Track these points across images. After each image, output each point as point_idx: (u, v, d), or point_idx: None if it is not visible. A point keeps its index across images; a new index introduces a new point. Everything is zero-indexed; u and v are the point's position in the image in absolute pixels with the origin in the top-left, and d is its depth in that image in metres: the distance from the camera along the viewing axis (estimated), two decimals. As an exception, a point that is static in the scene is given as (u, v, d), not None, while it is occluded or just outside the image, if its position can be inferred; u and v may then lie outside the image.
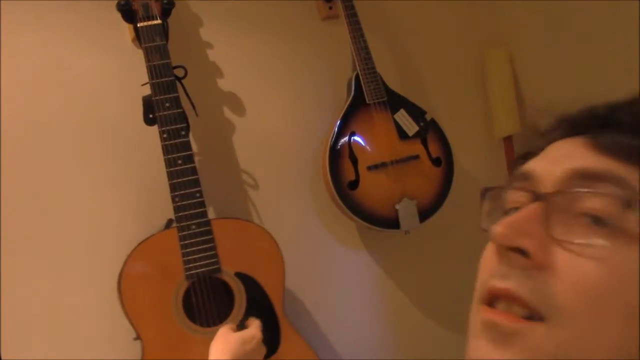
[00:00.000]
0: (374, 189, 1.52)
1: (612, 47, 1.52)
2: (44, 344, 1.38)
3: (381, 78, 1.55)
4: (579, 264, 0.38)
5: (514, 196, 0.45)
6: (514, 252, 0.39)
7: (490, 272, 0.42)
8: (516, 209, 0.44)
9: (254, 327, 1.15)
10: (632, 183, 0.38)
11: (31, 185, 1.40)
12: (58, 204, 1.42)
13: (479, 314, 0.42)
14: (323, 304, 1.63)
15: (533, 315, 0.38)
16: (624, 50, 1.49)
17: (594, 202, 0.38)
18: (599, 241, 0.38)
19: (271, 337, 1.33)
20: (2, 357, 1.33)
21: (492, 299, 0.41)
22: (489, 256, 0.44)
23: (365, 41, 1.53)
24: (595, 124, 0.44)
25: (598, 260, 0.37)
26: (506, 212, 0.45)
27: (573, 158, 0.42)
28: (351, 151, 1.52)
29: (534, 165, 0.45)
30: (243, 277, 1.31)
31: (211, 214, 1.50)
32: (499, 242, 0.40)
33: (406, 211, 1.53)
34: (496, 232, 0.40)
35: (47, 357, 1.37)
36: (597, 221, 0.38)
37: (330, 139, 1.51)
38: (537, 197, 0.41)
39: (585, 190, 0.39)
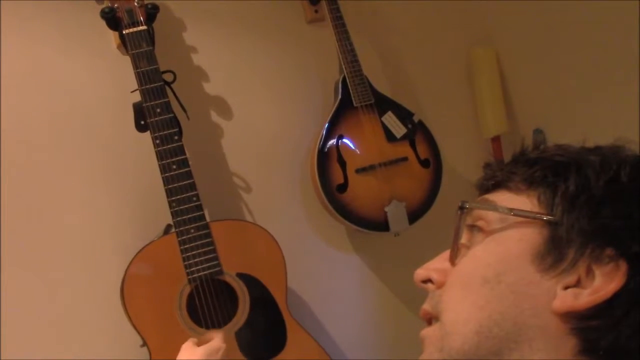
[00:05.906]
0: (363, 191, 1.52)
1: (599, 46, 1.53)
2: (43, 346, 1.38)
3: (368, 80, 1.55)
4: (460, 264, 0.51)
5: None
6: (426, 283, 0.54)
7: None
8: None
9: (218, 340, 1.15)
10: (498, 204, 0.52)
11: (25, 193, 1.40)
12: (55, 210, 1.42)
13: None
14: (312, 307, 1.63)
15: (432, 320, 0.52)
16: (611, 49, 1.50)
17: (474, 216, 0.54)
18: (472, 240, 0.53)
19: (277, 335, 1.34)
20: (2, 357, 1.33)
21: (425, 320, 0.54)
22: None
23: (351, 44, 1.53)
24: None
25: (469, 256, 0.51)
26: None
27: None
28: (339, 154, 1.52)
29: None
30: (245, 278, 1.32)
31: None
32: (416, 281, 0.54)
33: (395, 213, 1.53)
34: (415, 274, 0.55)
35: (46, 358, 1.38)
36: (472, 228, 0.54)
37: (318, 142, 1.51)
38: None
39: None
